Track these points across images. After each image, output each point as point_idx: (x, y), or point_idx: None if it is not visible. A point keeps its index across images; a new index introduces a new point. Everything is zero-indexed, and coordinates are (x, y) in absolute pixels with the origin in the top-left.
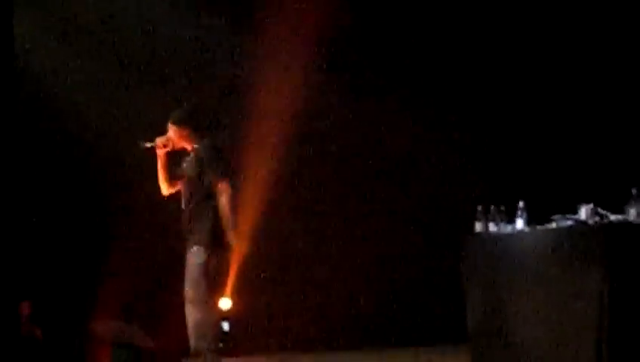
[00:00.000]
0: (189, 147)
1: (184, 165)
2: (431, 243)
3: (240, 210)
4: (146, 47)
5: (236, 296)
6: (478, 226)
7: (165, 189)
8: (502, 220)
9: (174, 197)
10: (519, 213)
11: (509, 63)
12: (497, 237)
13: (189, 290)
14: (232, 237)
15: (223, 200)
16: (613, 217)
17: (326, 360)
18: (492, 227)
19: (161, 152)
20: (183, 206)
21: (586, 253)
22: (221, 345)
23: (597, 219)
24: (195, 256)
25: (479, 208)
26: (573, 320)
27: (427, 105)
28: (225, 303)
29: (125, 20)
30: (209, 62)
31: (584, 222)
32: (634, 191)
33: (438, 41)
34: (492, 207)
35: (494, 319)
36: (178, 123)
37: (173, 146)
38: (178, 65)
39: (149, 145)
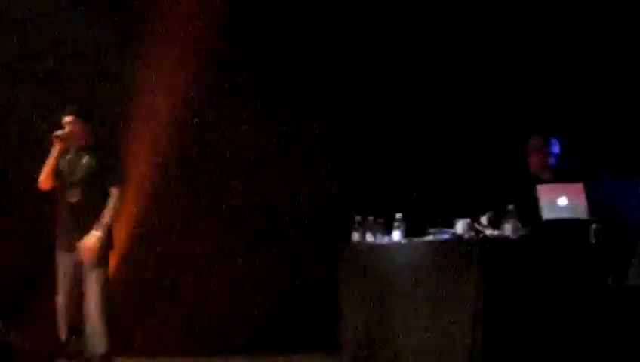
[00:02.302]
0: (83, 143)
1: (74, 161)
2: (307, 252)
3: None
4: (28, 44)
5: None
6: (355, 236)
7: (49, 183)
8: (379, 231)
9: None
10: (397, 224)
11: (388, 71)
12: (374, 248)
13: None
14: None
15: (111, 204)
16: (488, 232)
17: None
18: (369, 237)
19: (61, 145)
20: (67, 199)
21: (461, 267)
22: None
23: (472, 233)
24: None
25: (357, 218)
26: (446, 332)
27: (312, 112)
28: None
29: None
30: (94, 62)
31: (460, 236)
32: (510, 207)
33: (325, 43)
34: (369, 218)
35: (369, 328)
36: (83, 117)
37: (71, 141)
38: (61, 63)
39: (60, 133)
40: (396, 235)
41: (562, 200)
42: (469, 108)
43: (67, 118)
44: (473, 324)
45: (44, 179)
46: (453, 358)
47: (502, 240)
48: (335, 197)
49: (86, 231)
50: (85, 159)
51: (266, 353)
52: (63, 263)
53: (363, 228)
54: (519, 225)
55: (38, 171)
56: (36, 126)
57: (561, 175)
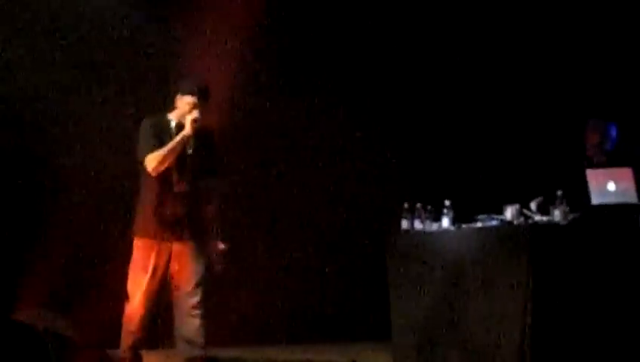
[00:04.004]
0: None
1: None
2: (356, 240)
3: None
4: (70, 30)
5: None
6: (404, 224)
7: (164, 166)
8: (428, 218)
9: (105, 180)
10: (445, 211)
11: (437, 59)
12: (423, 235)
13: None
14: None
15: (216, 203)
16: (537, 218)
17: (248, 355)
18: (418, 225)
19: (193, 130)
20: (174, 187)
21: (511, 254)
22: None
23: (522, 219)
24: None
25: (405, 205)
26: (497, 319)
27: (357, 101)
28: None
29: (58, 17)
30: (142, 57)
31: (509, 222)
32: (559, 192)
33: (371, 36)
34: (418, 205)
35: (419, 317)
36: (206, 97)
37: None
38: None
39: (196, 116)
40: (445, 222)
41: (611, 185)
42: (519, 93)
43: (195, 100)
44: (523, 311)
45: (164, 163)
46: (504, 345)
47: (551, 226)
48: (383, 184)
49: (194, 222)
50: (193, 145)
51: (318, 342)
52: (158, 255)
53: (412, 215)
54: (568, 210)
55: (88, 165)
56: (85, 116)
57: (615, 159)
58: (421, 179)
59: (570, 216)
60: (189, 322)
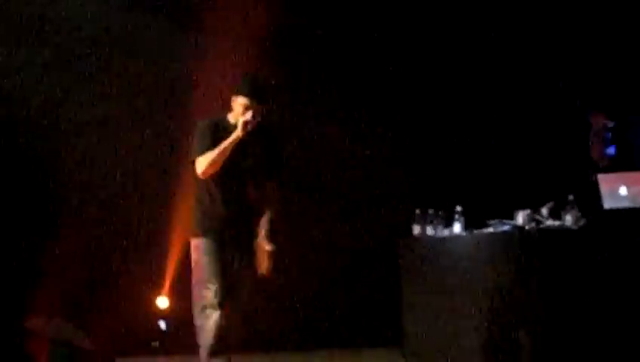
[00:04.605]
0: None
1: (240, 147)
2: (368, 245)
3: (183, 202)
4: (84, 39)
5: (174, 295)
6: (416, 229)
7: (214, 171)
8: (439, 224)
9: (114, 191)
10: (456, 216)
11: (447, 66)
12: (434, 241)
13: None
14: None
15: (275, 203)
16: (549, 223)
17: (259, 360)
18: (429, 230)
19: (245, 132)
20: (233, 191)
21: (522, 259)
22: (156, 343)
23: (533, 224)
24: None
25: (417, 211)
26: (507, 325)
27: (368, 106)
28: (162, 302)
29: (61, 17)
30: (149, 60)
31: (521, 228)
32: (570, 197)
33: (384, 43)
34: (430, 211)
35: (430, 322)
36: (262, 98)
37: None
38: (115, 63)
39: (249, 118)
40: (456, 228)
41: (623, 190)
42: (530, 99)
43: (251, 102)
44: (535, 315)
45: (214, 166)
46: (516, 350)
47: (562, 230)
48: (395, 190)
49: (251, 227)
50: (253, 145)
51: (328, 348)
52: (228, 263)
53: (423, 221)
54: (580, 215)
55: (101, 172)
56: (100, 124)
57: (619, 162)
58: (432, 185)
59: (582, 221)
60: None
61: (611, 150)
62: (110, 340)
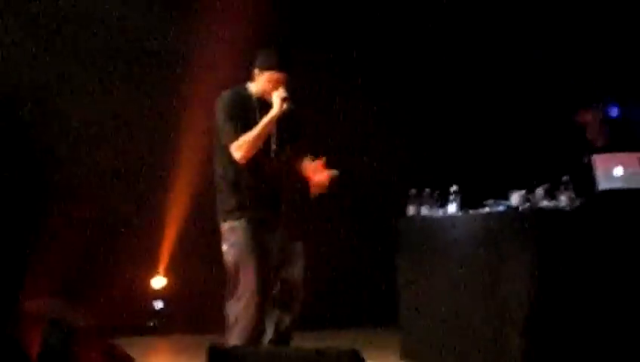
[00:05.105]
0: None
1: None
2: (363, 226)
3: (177, 182)
4: (78, 25)
5: (170, 274)
6: (411, 209)
7: (252, 153)
8: (435, 204)
9: (110, 169)
10: (452, 197)
11: (442, 47)
12: (430, 221)
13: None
14: None
15: None
16: (543, 203)
17: None
18: (425, 210)
19: (282, 110)
20: (265, 168)
21: (517, 239)
22: (152, 323)
23: (528, 205)
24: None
25: (412, 191)
26: (502, 305)
27: (363, 87)
28: (158, 281)
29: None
30: (142, 39)
31: (515, 208)
32: (564, 178)
33: (378, 25)
34: (425, 191)
35: (426, 301)
36: (291, 68)
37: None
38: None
39: (285, 94)
40: (452, 208)
41: (618, 170)
42: (524, 79)
43: (282, 75)
44: (529, 296)
45: (252, 150)
46: (510, 330)
47: (557, 211)
48: (391, 170)
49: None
50: (286, 120)
51: (325, 328)
52: (262, 236)
53: (419, 201)
54: (574, 196)
55: (92, 155)
56: (101, 114)
57: (616, 141)
58: (428, 165)
59: (576, 202)
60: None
61: (614, 111)
62: (106, 320)
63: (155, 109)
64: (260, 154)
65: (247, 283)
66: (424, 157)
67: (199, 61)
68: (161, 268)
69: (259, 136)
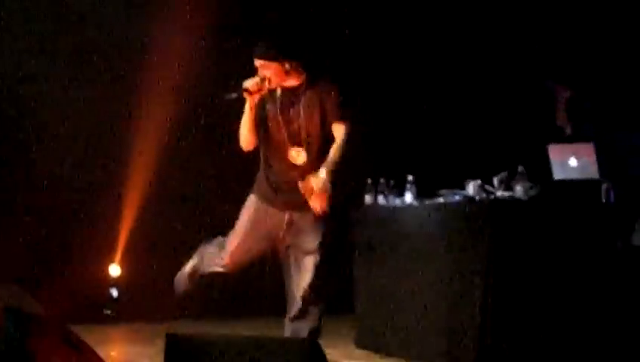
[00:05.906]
0: (291, 85)
1: (287, 109)
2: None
3: (133, 174)
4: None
5: (126, 263)
6: (368, 199)
7: (251, 143)
8: (391, 193)
9: (66, 158)
10: (408, 186)
11: (400, 34)
12: (386, 210)
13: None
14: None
15: (340, 141)
16: (499, 193)
17: (211, 328)
18: (381, 200)
19: (253, 98)
20: (289, 160)
21: (473, 229)
22: (109, 311)
23: (484, 195)
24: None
25: (368, 181)
26: (457, 295)
27: (317, 74)
28: (114, 270)
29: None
30: (102, 25)
31: (471, 198)
32: (520, 168)
33: (338, 11)
34: (381, 180)
35: (381, 290)
36: (275, 57)
37: (265, 89)
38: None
39: (234, 95)
40: (408, 197)
41: (573, 161)
42: (482, 67)
43: (257, 62)
44: (484, 286)
45: (246, 141)
46: (465, 320)
47: (512, 201)
48: (347, 160)
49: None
50: (302, 105)
51: (277, 316)
52: (265, 219)
53: (375, 190)
54: (530, 186)
55: (49, 143)
56: (57, 102)
57: (580, 131)
58: (384, 154)
59: (532, 192)
60: (305, 278)
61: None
62: (62, 307)
63: (111, 99)
64: (274, 143)
65: (229, 245)
66: (380, 146)
67: (159, 51)
68: (118, 256)
69: (242, 128)
